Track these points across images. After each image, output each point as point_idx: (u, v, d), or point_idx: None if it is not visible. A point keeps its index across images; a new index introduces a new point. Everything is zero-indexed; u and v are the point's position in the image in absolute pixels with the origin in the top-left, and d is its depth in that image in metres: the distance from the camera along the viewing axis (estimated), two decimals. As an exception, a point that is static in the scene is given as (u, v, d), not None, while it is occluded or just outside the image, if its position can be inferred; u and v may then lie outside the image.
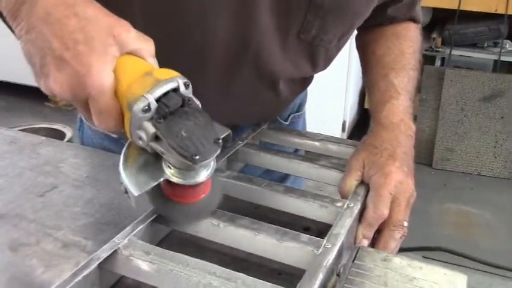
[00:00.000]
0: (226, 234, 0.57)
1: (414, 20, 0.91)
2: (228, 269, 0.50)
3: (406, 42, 0.87)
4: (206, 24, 0.68)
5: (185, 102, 0.51)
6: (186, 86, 0.52)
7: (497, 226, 2.45)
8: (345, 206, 0.62)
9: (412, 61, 0.85)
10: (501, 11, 2.72)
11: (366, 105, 3.14)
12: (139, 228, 0.56)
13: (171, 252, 0.52)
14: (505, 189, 2.76)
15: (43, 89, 0.51)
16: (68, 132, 2.06)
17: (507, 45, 2.93)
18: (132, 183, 0.53)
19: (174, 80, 0.51)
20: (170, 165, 0.53)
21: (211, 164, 0.54)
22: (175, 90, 0.51)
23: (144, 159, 0.54)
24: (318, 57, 0.77)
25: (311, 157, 0.76)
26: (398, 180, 0.66)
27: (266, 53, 0.73)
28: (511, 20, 2.82)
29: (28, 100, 3.58)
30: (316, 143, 0.82)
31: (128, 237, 0.54)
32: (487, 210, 2.54)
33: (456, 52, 2.96)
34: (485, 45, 2.96)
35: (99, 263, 0.50)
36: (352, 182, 0.68)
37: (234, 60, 0.73)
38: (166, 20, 0.67)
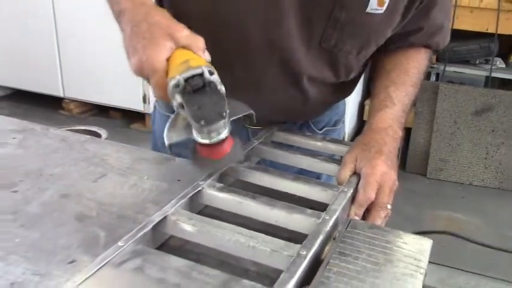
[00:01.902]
0: (248, 208, 0.74)
1: (429, 46, 1.05)
2: (251, 230, 0.66)
3: (413, 63, 1.02)
4: (243, 29, 0.88)
5: (206, 84, 0.71)
6: (210, 73, 0.71)
7: (485, 232, 2.61)
8: (341, 190, 0.79)
9: (414, 79, 1.00)
10: (492, 30, 2.89)
11: (365, 117, 3.31)
12: (181, 202, 0.72)
13: (208, 218, 0.69)
14: (495, 198, 2.92)
15: (130, 67, 0.75)
16: (103, 134, 2.25)
17: (497, 63, 3.10)
18: (167, 137, 0.74)
19: (200, 68, 0.70)
20: (193, 129, 0.72)
21: (223, 131, 0.72)
22: (201, 75, 0.70)
23: (182, 125, 0.74)
24: (338, 65, 0.94)
25: (314, 153, 0.93)
26: (383, 171, 0.83)
27: (291, 56, 0.91)
28: (501, 38, 2.99)
29: (43, 108, 3.75)
30: (319, 143, 0.99)
31: (174, 207, 0.70)
32: (477, 218, 2.70)
33: (450, 68, 3.13)
34: (477, 62, 3.13)
35: (153, 225, 0.67)
36: (346, 172, 0.84)
37: (263, 59, 0.91)
38: (213, 25, 0.86)
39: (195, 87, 0.70)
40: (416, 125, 3.15)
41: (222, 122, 0.71)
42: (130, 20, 0.76)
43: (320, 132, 1.14)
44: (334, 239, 0.70)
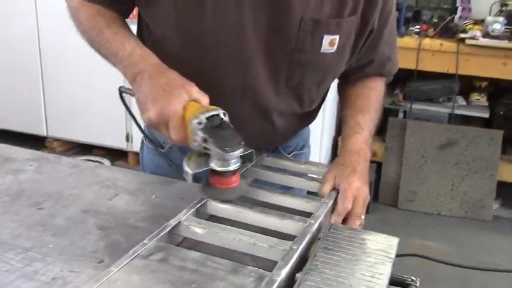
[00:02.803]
0: (246, 216, 0.89)
1: (382, 75, 1.24)
2: (251, 232, 0.81)
3: (373, 91, 1.20)
4: (219, 74, 1.05)
5: (223, 122, 0.86)
6: (224, 114, 0.88)
7: (454, 258, 2.77)
8: (323, 201, 0.94)
9: (375, 105, 1.18)
10: (452, 71, 3.13)
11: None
12: (191, 211, 0.87)
13: (214, 222, 0.83)
14: (461, 226, 3.11)
15: (144, 119, 0.87)
16: (106, 162, 2.37)
17: (459, 101, 3.34)
18: (189, 168, 0.86)
19: (217, 110, 0.87)
20: (213, 159, 0.86)
21: (237, 161, 0.86)
22: (218, 115, 0.86)
23: (197, 161, 0.87)
24: (303, 99, 1.12)
25: (299, 174, 1.08)
26: (358, 186, 0.99)
27: (261, 95, 1.08)
28: (461, 78, 3.23)
29: (26, 147, 3.82)
30: (302, 166, 1.15)
31: (185, 215, 0.84)
32: (446, 245, 2.87)
33: (416, 106, 3.36)
34: (441, 100, 3.35)
35: (171, 228, 0.81)
36: (327, 188, 1.00)
37: (237, 98, 1.07)
38: (194, 69, 1.00)
39: (214, 124, 0.85)
40: (387, 159, 3.34)
41: (239, 152, 0.86)
42: (150, 77, 0.92)
43: (289, 156, 1.30)
44: (319, 239, 0.85)
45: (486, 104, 3.35)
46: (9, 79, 3.67)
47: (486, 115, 3.30)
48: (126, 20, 1.10)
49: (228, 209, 0.90)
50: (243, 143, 0.86)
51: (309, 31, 1.02)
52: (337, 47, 1.05)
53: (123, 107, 1.16)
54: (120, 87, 1.09)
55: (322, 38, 1.03)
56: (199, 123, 0.84)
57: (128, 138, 3.46)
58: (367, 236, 0.84)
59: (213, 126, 0.85)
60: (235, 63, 1.04)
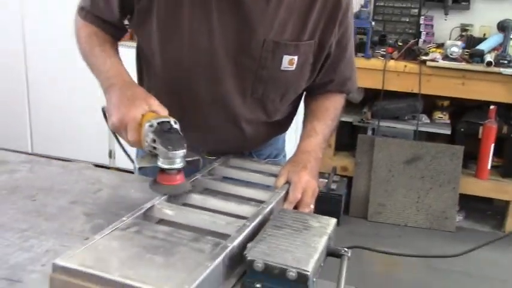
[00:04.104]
0: (210, 202, 1.05)
1: (342, 92, 1.42)
2: (212, 213, 0.97)
3: (331, 103, 1.38)
4: (192, 86, 1.23)
5: (172, 128, 1.02)
6: (175, 122, 1.03)
7: (418, 265, 2.95)
8: (276, 191, 1.12)
9: (332, 115, 1.36)
10: (416, 90, 3.35)
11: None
12: (163, 198, 1.03)
13: (182, 206, 1.00)
14: (426, 236, 3.29)
15: (109, 123, 1.06)
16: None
17: (423, 118, 3.55)
18: (137, 163, 1.03)
19: (168, 118, 1.03)
20: (160, 158, 1.01)
21: (181, 161, 1.01)
22: (168, 122, 1.02)
23: (147, 159, 1.03)
24: (268, 109, 1.30)
25: (260, 171, 1.26)
26: (307, 179, 1.16)
27: (230, 104, 1.26)
28: (424, 98, 3.45)
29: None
30: (263, 166, 1.32)
31: (158, 201, 1.01)
32: (408, 253, 3.04)
33: (383, 123, 3.56)
34: (406, 118, 3.56)
35: (145, 210, 0.97)
36: (281, 181, 1.17)
37: (209, 107, 1.25)
38: (170, 81, 1.22)
39: (164, 128, 1.01)
40: (357, 174, 3.53)
41: (182, 152, 1.00)
42: (118, 90, 1.09)
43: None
44: (269, 219, 1.02)
45: (448, 121, 3.57)
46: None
47: (448, 132, 3.52)
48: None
49: (195, 197, 1.07)
50: (185, 146, 1.00)
51: (270, 51, 1.20)
52: (296, 66, 1.24)
53: (105, 124, 1.32)
54: (103, 107, 1.24)
55: (282, 57, 1.22)
56: (151, 125, 1.00)
57: (110, 154, 3.60)
58: (310, 217, 1.01)
59: (162, 130, 1.00)
60: (208, 78, 1.22)
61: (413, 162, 3.42)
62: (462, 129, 3.48)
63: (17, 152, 1.45)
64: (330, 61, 1.30)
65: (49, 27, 3.53)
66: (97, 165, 3.75)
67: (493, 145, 3.35)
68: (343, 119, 3.63)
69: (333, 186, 3.39)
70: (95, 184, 1.24)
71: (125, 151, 1.32)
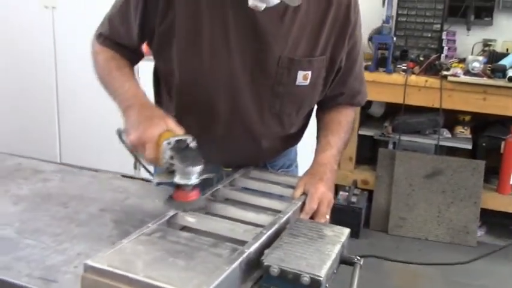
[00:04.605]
0: (230, 211, 1.12)
1: (353, 104, 1.47)
2: (232, 221, 1.04)
3: (343, 116, 1.44)
4: (213, 103, 1.29)
5: (189, 146, 1.08)
6: (191, 140, 1.09)
7: (437, 279, 2.96)
8: (293, 202, 1.17)
9: (345, 128, 1.42)
10: (437, 105, 3.37)
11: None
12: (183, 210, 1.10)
13: (204, 214, 1.06)
14: (447, 251, 3.29)
15: (127, 142, 1.11)
16: None
17: (444, 133, 3.56)
18: (155, 179, 1.08)
19: (185, 136, 1.08)
20: (177, 174, 1.06)
21: (197, 178, 1.06)
22: (185, 140, 1.08)
23: (164, 175, 1.08)
24: (284, 123, 1.36)
25: (278, 182, 1.32)
26: (322, 191, 1.22)
27: (248, 120, 1.32)
28: (445, 112, 3.47)
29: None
30: (281, 177, 1.38)
31: (179, 211, 1.07)
32: (431, 267, 3.05)
33: (404, 138, 3.57)
34: (427, 132, 3.57)
35: (169, 217, 1.04)
36: (298, 192, 1.23)
37: (228, 123, 1.32)
38: (194, 100, 1.28)
39: (181, 146, 1.07)
40: (378, 188, 3.55)
41: (199, 168, 1.06)
42: (136, 111, 1.16)
43: None
44: (286, 228, 1.07)
45: (469, 136, 3.57)
46: (25, 109, 3.97)
47: (469, 147, 3.52)
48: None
49: (216, 206, 1.13)
50: (202, 162, 1.06)
51: (286, 67, 1.27)
52: (310, 81, 1.30)
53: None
54: (118, 129, 1.29)
55: (297, 73, 1.28)
56: (169, 143, 1.06)
57: (135, 166, 3.69)
58: (324, 227, 1.07)
59: (180, 148, 1.06)
60: (227, 94, 1.29)
61: (434, 176, 3.43)
62: (484, 144, 3.48)
63: (49, 162, 1.53)
64: (340, 74, 1.36)
65: (79, 40, 3.66)
66: (123, 176, 3.88)
67: (515, 160, 3.35)
68: (365, 132, 3.67)
69: (354, 199, 3.42)
70: (122, 193, 1.31)
71: (145, 167, 1.39)
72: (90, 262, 0.83)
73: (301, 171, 1.63)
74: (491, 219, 3.53)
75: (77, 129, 3.88)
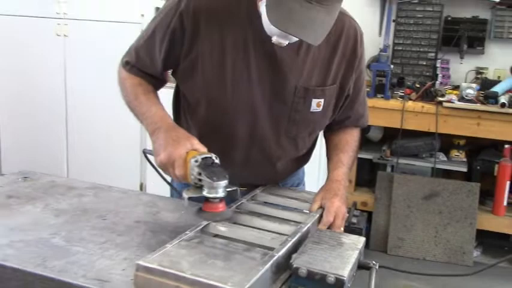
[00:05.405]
0: (256, 222, 1.24)
1: (358, 126, 1.62)
2: (259, 229, 1.16)
3: (350, 137, 1.58)
4: (233, 129, 1.42)
5: (214, 163, 1.20)
6: (215, 157, 1.21)
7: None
8: (311, 214, 1.30)
9: (352, 147, 1.56)
10: (433, 130, 3.51)
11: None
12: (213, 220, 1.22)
13: (233, 224, 1.18)
14: (444, 270, 3.40)
15: (156, 161, 1.25)
16: None
17: (440, 156, 3.71)
18: (185, 194, 1.20)
19: (210, 154, 1.21)
20: (205, 188, 1.19)
21: (224, 191, 1.18)
22: (210, 158, 1.20)
23: (193, 191, 1.21)
24: (298, 145, 1.49)
25: (295, 197, 1.44)
26: (338, 205, 1.34)
27: (266, 144, 1.45)
28: (441, 137, 3.62)
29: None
30: (298, 193, 1.51)
31: (211, 222, 1.19)
32: (429, 285, 3.16)
33: (402, 161, 3.71)
34: (424, 156, 3.71)
35: (203, 227, 1.16)
36: (316, 206, 1.35)
37: (247, 147, 1.44)
38: (215, 127, 1.42)
39: (207, 163, 1.20)
40: (377, 209, 3.68)
41: (225, 182, 1.18)
42: (164, 133, 1.28)
43: None
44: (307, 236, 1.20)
45: (465, 159, 3.72)
46: (35, 129, 4.10)
47: (465, 169, 3.66)
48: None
49: (242, 218, 1.25)
50: (228, 176, 1.18)
51: (301, 96, 1.41)
52: (323, 107, 1.44)
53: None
54: (144, 149, 1.44)
55: (311, 101, 1.42)
56: (196, 161, 1.19)
57: (141, 187, 3.81)
58: (342, 235, 1.19)
59: (206, 164, 1.19)
60: (247, 121, 1.42)
61: (431, 198, 3.56)
62: (478, 167, 3.62)
63: (80, 180, 1.65)
64: (348, 101, 1.51)
65: (89, 65, 3.82)
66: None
67: (508, 182, 3.49)
68: (364, 156, 3.81)
69: (354, 220, 3.51)
70: (152, 207, 1.43)
71: (170, 184, 1.51)
72: (142, 262, 0.95)
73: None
74: (487, 240, 3.65)
75: (85, 150, 4.00)
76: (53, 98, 4.01)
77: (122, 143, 3.84)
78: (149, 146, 1.37)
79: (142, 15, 3.56)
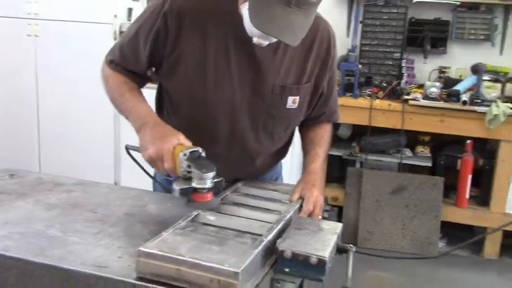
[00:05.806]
0: (241, 212, 1.32)
1: (330, 121, 1.72)
2: (247, 218, 1.24)
3: (325, 131, 1.68)
4: (215, 126, 1.50)
5: (200, 156, 1.29)
6: (202, 151, 1.29)
7: (402, 285, 3.21)
8: (292, 204, 1.39)
9: (327, 140, 1.67)
10: (399, 127, 3.66)
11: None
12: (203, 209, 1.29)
13: (222, 213, 1.26)
14: (411, 261, 3.55)
15: (144, 156, 1.31)
16: None
17: (406, 152, 3.86)
18: (176, 185, 1.27)
19: (197, 147, 1.29)
20: (194, 179, 1.26)
21: (211, 182, 1.26)
22: (197, 151, 1.28)
23: (182, 182, 1.28)
24: (274, 140, 1.58)
25: (276, 189, 1.53)
26: (316, 195, 1.44)
27: (245, 139, 1.53)
28: (407, 133, 3.77)
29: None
30: (278, 186, 1.60)
31: (199, 212, 1.27)
32: (399, 276, 3.30)
33: (370, 157, 3.85)
34: (391, 152, 3.87)
35: (193, 217, 1.23)
36: (296, 196, 1.44)
37: (228, 142, 1.53)
38: (197, 123, 1.48)
39: (195, 155, 1.28)
40: (347, 204, 3.81)
41: (212, 174, 1.27)
42: (150, 128, 1.35)
43: None
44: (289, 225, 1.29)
45: (429, 155, 3.89)
46: (9, 130, 4.09)
47: (429, 164, 3.83)
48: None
49: (228, 208, 1.33)
50: (215, 168, 1.27)
51: (278, 93, 1.50)
52: (298, 104, 1.54)
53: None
54: (126, 145, 1.50)
55: (287, 98, 1.51)
56: (185, 155, 1.27)
57: (115, 184, 3.84)
58: (322, 222, 1.29)
59: (194, 158, 1.27)
60: (227, 118, 1.50)
61: (398, 192, 3.71)
62: (442, 162, 3.79)
63: (66, 177, 1.70)
64: (323, 99, 1.61)
65: (61, 65, 3.83)
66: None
67: (470, 176, 3.67)
68: (334, 153, 3.93)
69: (325, 215, 3.63)
70: (140, 201, 1.50)
71: (153, 178, 1.58)
72: (143, 248, 1.02)
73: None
74: (451, 231, 3.82)
75: (57, 148, 4.01)
76: (24, 97, 4.01)
77: (95, 142, 3.86)
78: (125, 143, 1.46)
79: (115, 16, 3.59)
